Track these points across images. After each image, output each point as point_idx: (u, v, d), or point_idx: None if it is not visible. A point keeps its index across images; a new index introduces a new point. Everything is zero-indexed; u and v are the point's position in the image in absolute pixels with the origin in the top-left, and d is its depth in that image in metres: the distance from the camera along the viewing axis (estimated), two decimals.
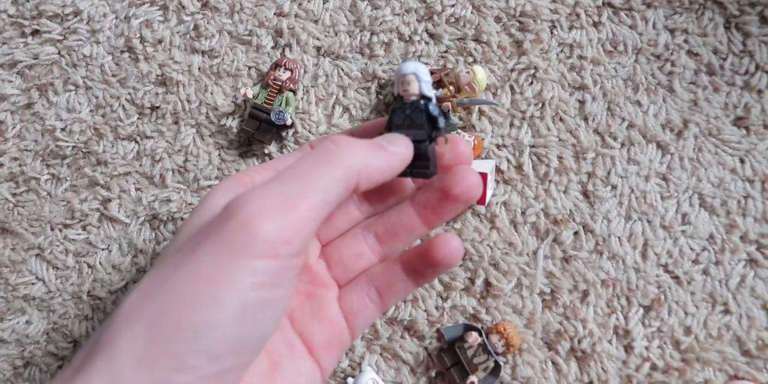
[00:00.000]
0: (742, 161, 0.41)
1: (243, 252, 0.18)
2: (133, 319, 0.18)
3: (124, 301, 0.19)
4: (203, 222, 0.22)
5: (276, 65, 0.43)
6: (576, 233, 0.41)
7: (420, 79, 0.22)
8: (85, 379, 0.17)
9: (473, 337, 0.38)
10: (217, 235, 0.19)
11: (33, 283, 0.44)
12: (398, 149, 0.22)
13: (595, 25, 0.44)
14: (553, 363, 0.40)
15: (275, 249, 0.18)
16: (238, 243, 0.18)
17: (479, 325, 0.40)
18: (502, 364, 0.39)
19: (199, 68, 0.45)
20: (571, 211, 0.41)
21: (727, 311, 0.40)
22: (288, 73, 0.42)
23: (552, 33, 0.44)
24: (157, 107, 0.45)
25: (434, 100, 0.23)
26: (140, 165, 0.45)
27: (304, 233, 0.19)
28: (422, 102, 0.23)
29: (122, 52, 0.46)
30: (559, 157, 0.42)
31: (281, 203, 0.19)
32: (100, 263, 0.44)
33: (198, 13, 0.45)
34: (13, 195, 0.45)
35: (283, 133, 0.43)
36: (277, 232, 0.18)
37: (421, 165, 0.22)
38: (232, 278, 0.18)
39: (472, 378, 0.38)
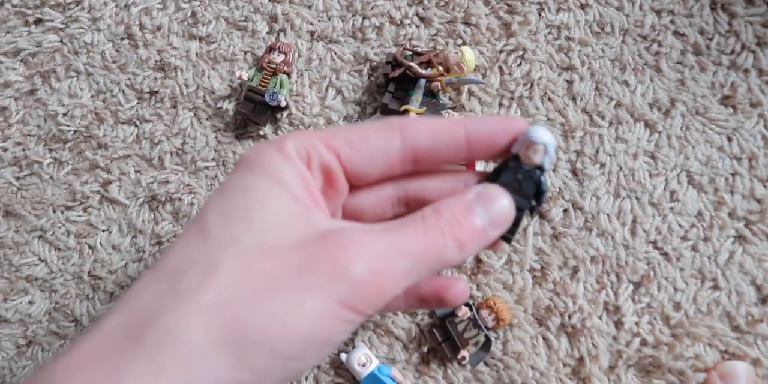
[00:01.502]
0: (729, 139, 0.39)
1: (333, 292, 0.16)
2: (204, 312, 0.16)
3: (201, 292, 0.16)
4: (238, 200, 0.18)
5: (270, 49, 0.40)
6: (565, 210, 0.39)
7: (548, 153, 0.20)
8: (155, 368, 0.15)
9: (463, 311, 0.35)
10: (314, 269, 0.17)
11: (36, 264, 0.42)
12: (495, 233, 0.19)
13: (583, 6, 0.41)
14: (543, 338, 0.37)
15: (364, 299, 0.17)
16: (332, 282, 0.16)
17: (470, 301, 0.38)
18: (492, 339, 0.36)
19: (196, 53, 0.43)
20: (560, 188, 0.39)
21: (716, 287, 0.37)
22: (282, 56, 0.40)
23: (540, 15, 0.41)
24: (156, 92, 0.43)
25: (546, 175, 0.21)
26: (140, 148, 0.42)
27: (388, 296, 0.17)
28: (538, 173, 0.20)
29: (122, 39, 0.44)
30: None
31: (378, 259, 0.17)
32: (100, 244, 0.42)
33: (195, 0, 0.43)
34: (17, 179, 0.43)
35: (278, 115, 0.41)
36: (371, 284, 0.17)
37: (508, 230, 0.20)
38: (319, 316, 0.16)
39: (464, 352, 0.36)
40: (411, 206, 0.22)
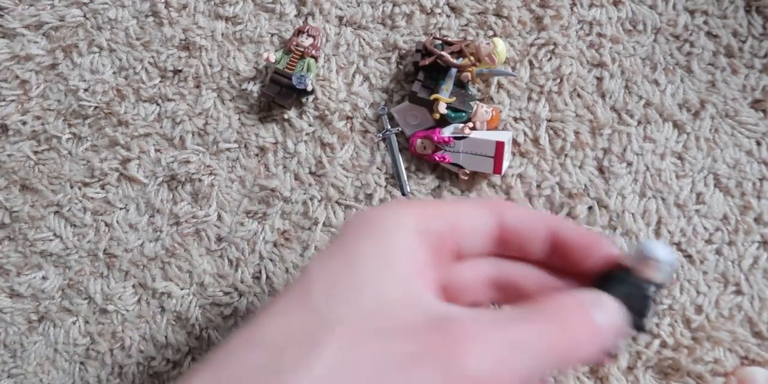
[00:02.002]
0: (758, 143, 0.37)
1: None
2: None
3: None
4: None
5: (299, 32, 0.39)
6: (590, 208, 0.37)
7: (664, 271, 0.18)
8: None
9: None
10: (426, 360, 0.15)
11: (51, 240, 0.41)
12: (611, 340, 0.18)
13: (615, 3, 0.40)
14: None
15: None
16: (444, 377, 0.14)
17: None
18: None
19: (222, 34, 0.41)
20: (585, 186, 0.37)
21: (739, 292, 0.36)
22: (310, 40, 0.38)
23: (572, 10, 0.40)
24: (180, 71, 0.41)
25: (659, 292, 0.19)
26: (161, 127, 0.41)
27: None
28: (653, 289, 0.18)
29: (147, 16, 0.42)
30: (576, 132, 0.38)
31: (497, 356, 0.15)
32: (117, 222, 0.40)
33: None
34: (35, 153, 0.42)
35: (303, 99, 0.40)
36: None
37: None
38: None
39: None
40: (507, 292, 0.21)
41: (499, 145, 0.35)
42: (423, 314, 0.16)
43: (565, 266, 0.19)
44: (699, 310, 0.35)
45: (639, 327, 0.19)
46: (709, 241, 0.36)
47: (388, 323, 0.15)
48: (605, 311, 0.17)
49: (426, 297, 0.16)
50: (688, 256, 0.36)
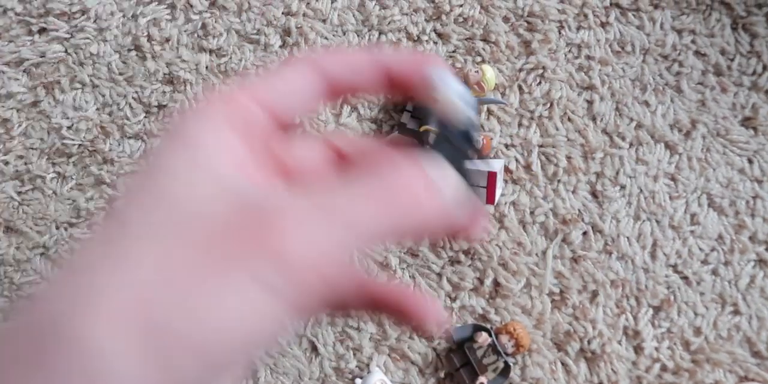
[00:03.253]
0: (750, 162, 0.40)
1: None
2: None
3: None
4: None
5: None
6: (585, 233, 0.40)
7: (447, 85, 0.18)
8: None
9: (483, 338, 0.36)
10: (237, 251, 0.15)
11: (38, 282, 0.43)
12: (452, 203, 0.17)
13: (603, 25, 0.43)
14: (562, 364, 0.38)
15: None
16: (257, 267, 0.14)
17: (488, 326, 0.39)
18: (512, 364, 0.37)
19: (206, 67, 0.44)
20: (579, 211, 0.40)
21: (736, 312, 0.38)
22: None
23: (560, 33, 0.43)
24: (165, 106, 0.44)
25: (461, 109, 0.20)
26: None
27: (334, 284, 0.15)
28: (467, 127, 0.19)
29: (129, 50, 0.44)
30: (568, 157, 0.41)
31: (318, 232, 0.15)
32: None
33: (206, 11, 0.44)
34: (19, 193, 0.44)
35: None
36: (309, 268, 0.15)
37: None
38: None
39: (482, 379, 0.37)
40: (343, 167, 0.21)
41: (492, 176, 0.38)
42: (238, 201, 0.16)
43: (406, 93, 0.20)
44: (698, 332, 0.38)
45: (467, 153, 0.18)
46: (705, 262, 0.39)
47: (198, 219, 0.15)
48: (436, 165, 0.17)
49: (240, 183, 0.16)
50: (685, 278, 0.39)
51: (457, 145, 0.18)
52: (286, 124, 0.19)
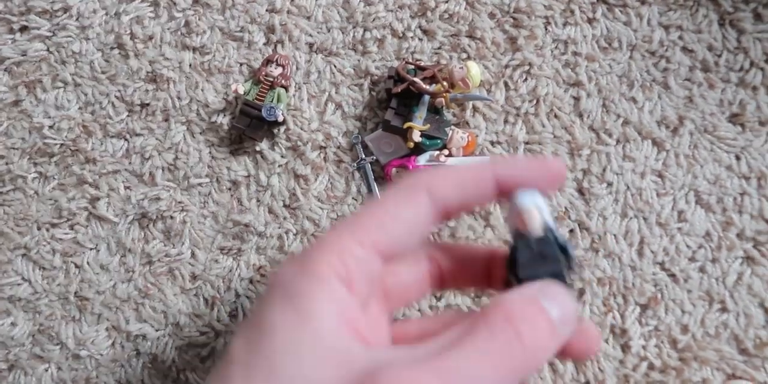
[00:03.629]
0: (737, 158, 0.41)
1: None
2: None
3: None
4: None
5: (267, 61, 0.42)
6: (571, 231, 0.40)
7: (543, 213, 0.20)
8: None
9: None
10: None
11: (19, 284, 0.43)
12: (567, 332, 0.18)
13: (590, 21, 0.43)
14: (548, 363, 0.39)
15: None
16: None
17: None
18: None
19: (190, 65, 0.44)
20: (566, 208, 0.41)
21: (724, 309, 0.39)
22: (280, 69, 0.41)
23: (546, 29, 0.43)
24: (147, 104, 0.44)
25: (557, 231, 0.20)
26: (129, 163, 0.43)
27: None
28: (549, 235, 0.20)
29: (112, 48, 0.45)
30: (554, 154, 0.41)
31: None
32: (87, 263, 0.43)
33: (189, 9, 0.45)
34: (0, 194, 0.44)
35: (275, 130, 0.43)
36: None
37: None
38: None
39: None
40: (446, 282, 0.22)
41: None
42: (349, 372, 0.16)
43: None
44: (685, 329, 0.38)
45: (571, 268, 0.20)
46: (692, 259, 0.39)
47: None
48: (555, 301, 0.17)
49: (352, 354, 0.17)
50: (672, 275, 0.39)
51: (546, 251, 0.19)
52: (397, 253, 0.19)
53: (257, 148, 0.42)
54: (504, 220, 0.40)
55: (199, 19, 0.44)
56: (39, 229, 0.43)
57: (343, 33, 0.44)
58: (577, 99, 0.42)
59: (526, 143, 0.42)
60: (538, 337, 0.17)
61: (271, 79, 0.41)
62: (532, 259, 0.19)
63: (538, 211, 0.20)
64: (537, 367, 0.17)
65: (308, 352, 0.16)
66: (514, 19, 0.43)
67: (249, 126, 0.41)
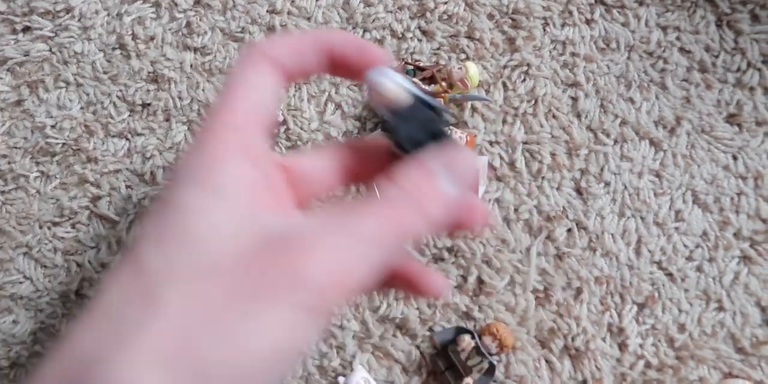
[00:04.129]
0: (734, 158, 0.41)
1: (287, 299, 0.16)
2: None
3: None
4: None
5: None
6: (569, 230, 0.41)
7: (396, 83, 0.20)
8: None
9: (466, 342, 0.37)
10: (267, 282, 0.16)
11: (20, 282, 0.44)
12: (460, 192, 0.19)
13: (588, 22, 0.44)
14: (546, 361, 0.39)
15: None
16: (290, 293, 0.16)
17: (472, 324, 0.40)
18: (496, 363, 0.38)
19: (191, 65, 0.45)
20: (564, 207, 0.41)
21: (721, 308, 0.39)
22: None
23: (545, 30, 0.44)
24: (149, 104, 0.45)
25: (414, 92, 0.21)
26: (131, 162, 0.44)
27: (357, 290, 0.17)
28: (412, 96, 0.21)
29: (114, 49, 0.45)
30: (552, 154, 0.42)
31: (338, 254, 0.17)
32: (89, 261, 0.43)
33: (191, 10, 0.45)
34: (2, 193, 0.45)
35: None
36: (335, 285, 0.16)
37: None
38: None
39: (468, 380, 0.38)
40: (355, 176, 0.22)
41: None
42: (260, 237, 0.17)
43: (350, 76, 0.21)
44: (682, 328, 0.39)
45: (441, 126, 0.20)
46: (689, 259, 0.40)
47: (223, 258, 0.16)
48: (451, 166, 0.19)
49: (261, 218, 0.17)
50: (669, 275, 0.40)
51: (424, 116, 0.20)
52: (269, 125, 0.20)
53: None
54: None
55: (200, 20, 0.45)
56: (41, 227, 0.44)
57: None
58: (575, 99, 0.43)
59: (525, 143, 0.42)
60: (425, 199, 0.18)
61: None
62: (409, 129, 0.20)
63: (392, 83, 0.20)
64: (423, 227, 0.18)
65: (220, 220, 0.17)
66: (513, 20, 0.44)
67: None
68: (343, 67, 0.21)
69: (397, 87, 0.20)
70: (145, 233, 0.17)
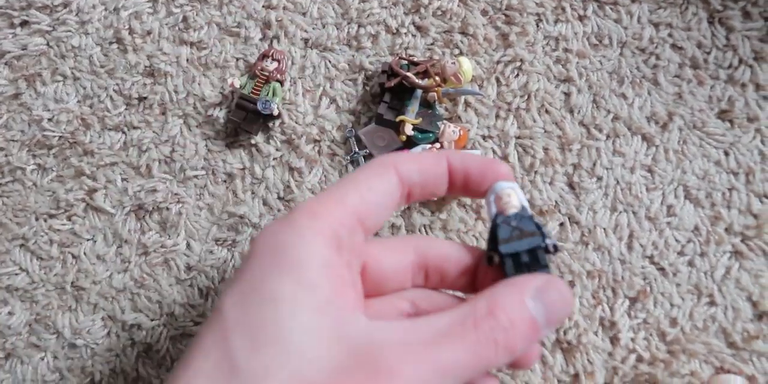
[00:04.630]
0: (726, 154, 0.42)
1: None
2: None
3: None
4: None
5: (263, 56, 0.43)
6: (562, 224, 0.41)
7: (518, 193, 0.22)
8: None
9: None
10: None
11: (16, 274, 0.44)
12: (550, 330, 0.19)
13: (581, 18, 0.44)
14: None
15: None
16: None
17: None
18: None
19: (187, 59, 0.45)
20: (556, 202, 0.41)
21: (712, 303, 0.39)
22: (275, 64, 0.43)
23: (538, 26, 0.44)
24: (145, 98, 0.45)
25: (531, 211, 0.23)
26: (127, 155, 0.45)
27: None
28: (526, 212, 0.22)
29: (111, 43, 0.46)
30: (545, 149, 0.42)
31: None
32: (84, 253, 0.44)
33: (187, 4, 0.46)
34: None
35: (270, 124, 0.44)
36: None
37: (539, 269, 0.21)
38: None
39: None
40: (429, 275, 0.23)
41: None
42: (350, 348, 0.17)
43: (466, 193, 0.23)
44: (674, 322, 0.39)
45: (547, 248, 0.21)
46: (681, 253, 0.40)
47: (317, 369, 0.16)
48: (546, 300, 0.19)
49: (350, 324, 0.18)
50: (661, 269, 0.40)
51: (524, 226, 0.21)
52: (369, 229, 0.20)
53: (252, 141, 0.43)
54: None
55: (196, 15, 0.46)
56: (37, 219, 0.44)
57: (337, 29, 0.45)
58: (567, 95, 0.43)
59: (518, 138, 0.43)
60: (516, 341, 0.18)
61: (267, 74, 0.42)
62: (510, 234, 0.21)
63: (515, 194, 0.22)
64: (504, 361, 0.18)
65: (314, 323, 0.17)
66: (506, 16, 0.44)
67: (245, 119, 0.42)
68: (461, 185, 0.22)
69: (516, 196, 0.22)
70: (235, 322, 0.17)
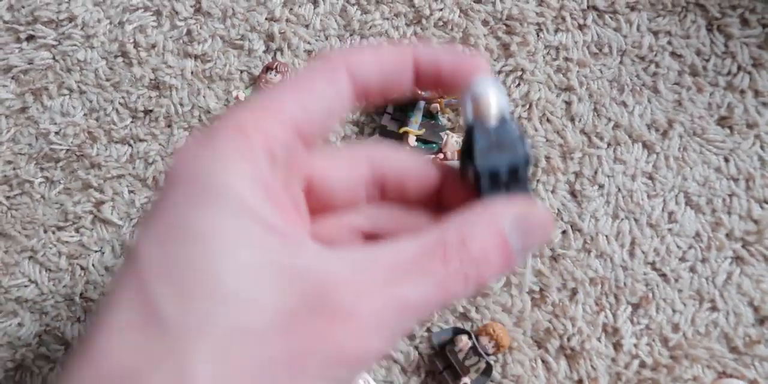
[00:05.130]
0: (726, 160, 0.42)
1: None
2: None
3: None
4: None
5: (267, 68, 0.43)
6: (564, 232, 0.42)
7: (501, 101, 0.19)
8: None
9: (464, 342, 0.38)
10: (309, 356, 0.15)
11: (26, 286, 0.45)
12: (523, 256, 0.17)
13: (581, 27, 0.45)
14: (542, 361, 0.40)
15: None
16: (331, 367, 0.15)
17: (469, 325, 0.40)
18: (493, 363, 0.39)
19: (191, 72, 0.46)
20: (558, 210, 0.42)
21: (714, 308, 0.40)
22: (279, 77, 0.43)
23: (538, 36, 0.45)
24: (150, 111, 0.46)
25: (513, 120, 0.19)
26: (133, 168, 0.45)
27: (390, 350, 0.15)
28: (507, 123, 0.19)
29: (116, 56, 0.46)
30: (547, 157, 0.43)
31: (385, 329, 0.15)
32: (93, 265, 0.44)
33: (191, 18, 0.46)
34: (7, 198, 0.46)
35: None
36: (376, 354, 0.15)
37: (518, 189, 0.18)
38: None
39: (465, 380, 0.38)
40: (387, 191, 0.20)
41: None
42: (298, 289, 0.15)
43: (440, 90, 0.19)
44: (676, 328, 0.40)
45: (527, 161, 0.18)
46: (682, 259, 0.41)
47: (260, 319, 0.14)
48: (526, 229, 0.17)
49: (298, 256, 0.15)
50: (663, 275, 0.41)
51: (503, 139, 0.18)
52: (312, 140, 0.17)
53: None
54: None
55: (200, 28, 0.46)
56: (45, 232, 0.45)
57: (340, 40, 0.45)
58: (568, 103, 0.44)
59: None
60: (488, 275, 0.16)
61: (271, 86, 0.43)
62: (489, 146, 0.18)
63: (495, 99, 0.19)
64: (470, 292, 0.17)
65: (253, 259, 0.15)
66: (507, 26, 0.45)
67: None
68: (431, 82, 0.19)
69: (496, 103, 0.18)
70: (155, 264, 0.14)
